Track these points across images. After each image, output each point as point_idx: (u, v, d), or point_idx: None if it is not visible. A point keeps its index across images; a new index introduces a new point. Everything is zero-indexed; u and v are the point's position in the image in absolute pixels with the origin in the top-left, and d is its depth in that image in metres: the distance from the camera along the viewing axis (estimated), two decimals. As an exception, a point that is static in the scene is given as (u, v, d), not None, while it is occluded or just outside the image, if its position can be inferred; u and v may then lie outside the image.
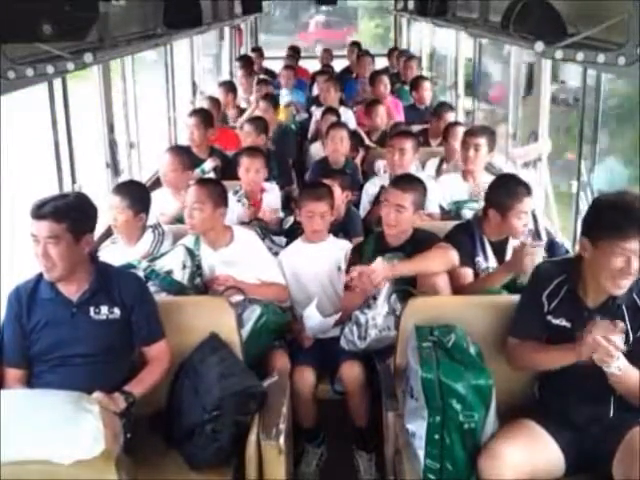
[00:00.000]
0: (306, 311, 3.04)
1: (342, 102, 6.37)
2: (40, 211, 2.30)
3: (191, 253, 3.07)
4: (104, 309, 2.44)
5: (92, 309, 2.43)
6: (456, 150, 4.31)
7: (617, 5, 2.54)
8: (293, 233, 3.58)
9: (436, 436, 2.21)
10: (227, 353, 2.56)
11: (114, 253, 3.12)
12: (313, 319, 3.03)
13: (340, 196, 3.66)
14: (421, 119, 5.96)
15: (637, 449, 2.11)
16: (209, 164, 4.39)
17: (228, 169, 4.42)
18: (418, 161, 4.48)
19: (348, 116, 5.79)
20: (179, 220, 3.56)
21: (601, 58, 2.38)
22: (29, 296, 2.42)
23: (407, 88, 6.80)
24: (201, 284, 3.07)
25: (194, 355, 2.57)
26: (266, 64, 8.80)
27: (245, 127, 4.86)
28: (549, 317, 2.36)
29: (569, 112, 7.42)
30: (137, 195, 3.23)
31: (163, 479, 2.36)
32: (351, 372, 2.91)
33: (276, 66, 8.32)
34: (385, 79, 6.32)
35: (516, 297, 2.56)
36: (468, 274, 2.97)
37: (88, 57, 2.58)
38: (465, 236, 3.05)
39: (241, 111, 6.27)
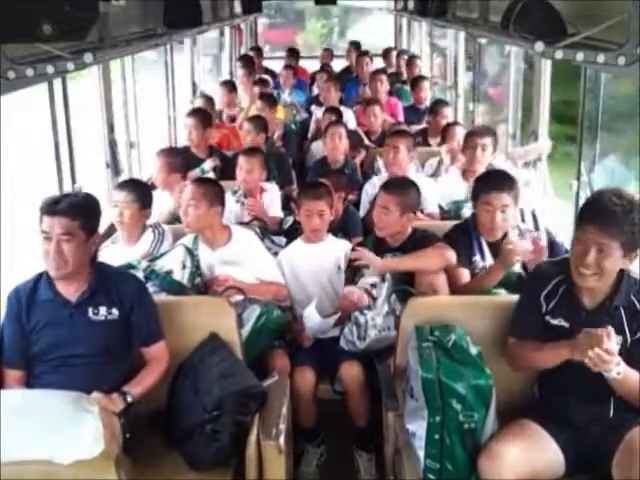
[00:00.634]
0: (306, 311, 3.05)
1: (342, 102, 6.37)
2: (54, 207, 2.30)
3: (191, 253, 3.07)
4: (103, 310, 2.43)
5: (90, 310, 2.42)
6: (456, 150, 4.30)
7: (617, 5, 2.54)
8: (293, 233, 3.58)
9: (436, 436, 2.21)
10: (227, 353, 2.56)
11: (114, 253, 3.13)
12: (313, 319, 3.03)
13: (334, 196, 3.65)
14: (420, 119, 5.98)
15: (637, 449, 2.11)
16: (209, 164, 4.40)
17: (227, 169, 4.43)
18: (417, 161, 4.48)
19: (348, 116, 5.78)
20: (177, 219, 3.56)
21: (601, 58, 2.38)
22: (28, 296, 2.42)
23: (407, 88, 6.81)
24: (201, 284, 3.07)
25: (194, 355, 2.57)
26: (266, 64, 8.81)
27: (245, 126, 4.87)
28: (547, 317, 2.36)
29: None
30: (141, 191, 3.29)
31: (163, 479, 2.35)
32: (351, 372, 2.91)
33: (276, 66, 8.33)
34: (383, 78, 6.32)
35: (515, 297, 2.56)
36: (464, 274, 2.96)
37: (88, 57, 2.57)
38: (463, 236, 3.05)
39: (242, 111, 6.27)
